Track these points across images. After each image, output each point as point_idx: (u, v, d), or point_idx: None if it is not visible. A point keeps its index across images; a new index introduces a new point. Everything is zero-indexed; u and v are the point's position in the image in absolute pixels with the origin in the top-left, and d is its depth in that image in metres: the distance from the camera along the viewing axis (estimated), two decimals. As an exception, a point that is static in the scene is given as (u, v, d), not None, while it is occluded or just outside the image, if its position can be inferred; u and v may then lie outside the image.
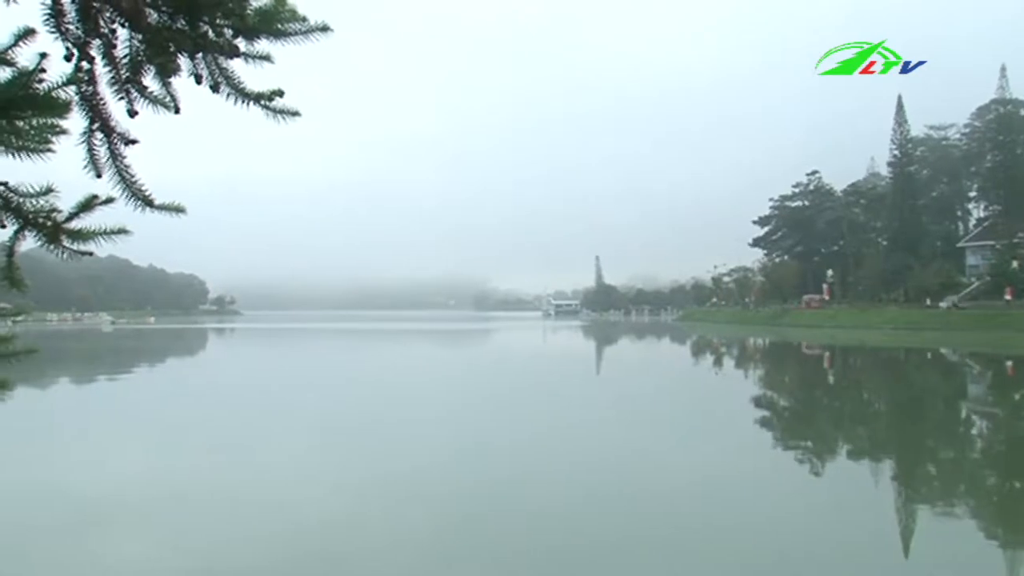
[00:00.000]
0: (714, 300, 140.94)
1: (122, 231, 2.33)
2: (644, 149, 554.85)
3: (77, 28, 2.14)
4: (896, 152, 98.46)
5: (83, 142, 2.24)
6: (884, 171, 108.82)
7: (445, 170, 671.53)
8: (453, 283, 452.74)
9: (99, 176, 2.27)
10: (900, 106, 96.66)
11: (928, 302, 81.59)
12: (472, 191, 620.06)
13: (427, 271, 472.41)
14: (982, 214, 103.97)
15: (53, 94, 2.14)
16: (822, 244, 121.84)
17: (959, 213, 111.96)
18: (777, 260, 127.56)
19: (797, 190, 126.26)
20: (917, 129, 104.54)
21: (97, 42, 2.18)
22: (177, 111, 2.35)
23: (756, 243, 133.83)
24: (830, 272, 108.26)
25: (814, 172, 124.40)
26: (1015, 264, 76.49)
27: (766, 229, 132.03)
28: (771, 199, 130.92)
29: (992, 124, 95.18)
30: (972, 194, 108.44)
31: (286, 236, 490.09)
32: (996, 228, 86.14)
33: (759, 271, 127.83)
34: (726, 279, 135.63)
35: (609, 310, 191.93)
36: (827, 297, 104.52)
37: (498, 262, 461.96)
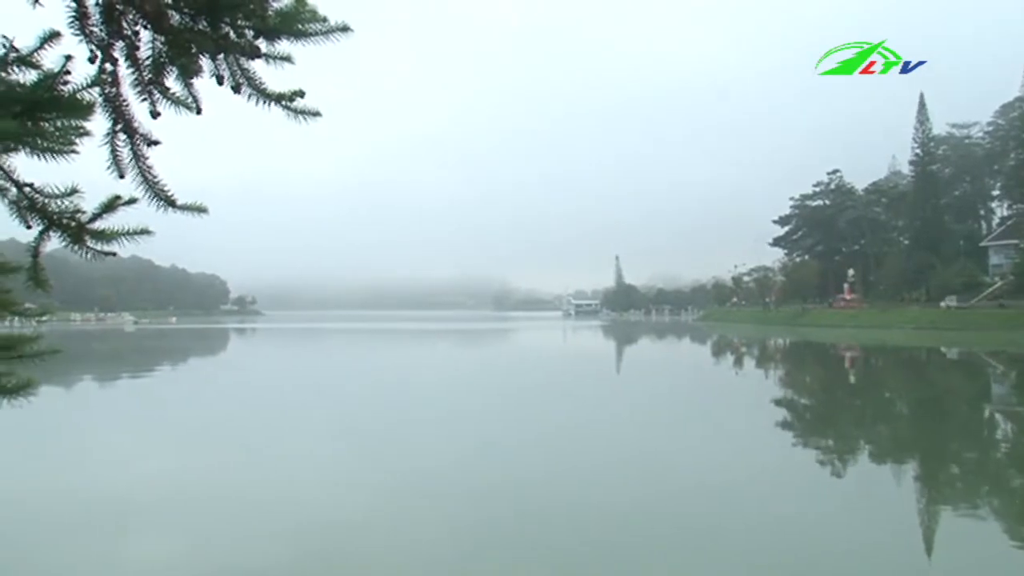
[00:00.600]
0: (735, 300, 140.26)
1: (145, 231, 2.34)
2: (662, 149, 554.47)
3: (101, 30, 2.16)
4: (918, 151, 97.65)
5: (106, 143, 2.26)
6: (906, 170, 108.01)
7: (459, 169, 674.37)
8: (471, 283, 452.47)
9: (122, 177, 2.29)
10: (922, 104, 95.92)
11: (956, 302, 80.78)
12: (488, 190, 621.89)
13: (444, 271, 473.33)
14: (1005, 213, 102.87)
15: (77, 96, 2.16)
16: (843, 243, 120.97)
17: (982, 212, 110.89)
18: (798, 259, 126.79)
19: (818, 189, 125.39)
20: (940, 127, 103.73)
21: (120, 44, 2.20)
22: (199, 112, 2.37)
23: (777, 242, 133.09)
24: (851, 271, 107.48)
25: (835, 171, 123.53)
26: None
27: (787, 228, 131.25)
28: (792, 198, 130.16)
29: (1016, 122, 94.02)
30: (995, 193, 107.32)
31: (302, 236, 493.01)
32: (1020, 227, 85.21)
33: (779, 271, 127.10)
34: (746, 279, 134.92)
35: (629, 310, 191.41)
36: (848, 297, 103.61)
37: (516, 262, 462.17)
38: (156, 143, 2.32)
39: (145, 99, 2.27)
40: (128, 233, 2.31)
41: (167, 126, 2.32)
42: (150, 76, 2.26)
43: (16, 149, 2.15)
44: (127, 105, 2.27)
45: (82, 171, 2.33)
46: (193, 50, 2.24)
